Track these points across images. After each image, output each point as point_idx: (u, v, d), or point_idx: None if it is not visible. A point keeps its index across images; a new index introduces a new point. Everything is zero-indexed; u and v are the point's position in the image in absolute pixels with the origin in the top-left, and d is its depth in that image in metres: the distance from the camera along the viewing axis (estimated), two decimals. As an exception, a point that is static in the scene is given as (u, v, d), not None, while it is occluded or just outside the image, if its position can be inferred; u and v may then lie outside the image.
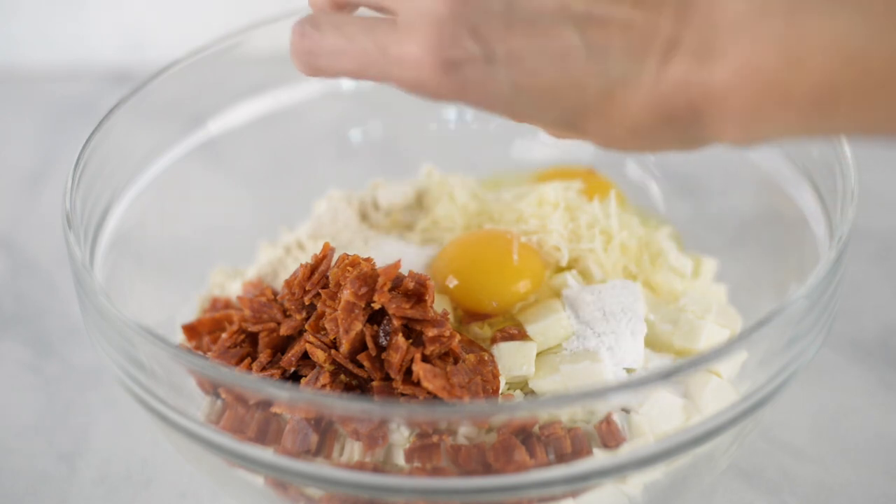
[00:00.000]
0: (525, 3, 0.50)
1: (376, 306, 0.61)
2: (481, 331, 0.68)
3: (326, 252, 0.65)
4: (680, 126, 0.50)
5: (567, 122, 0.51)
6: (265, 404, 0.60)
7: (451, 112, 0.90)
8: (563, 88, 0.50)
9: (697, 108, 0.49)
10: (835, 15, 0.46)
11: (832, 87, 0.47)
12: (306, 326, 0.63)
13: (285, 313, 0.66)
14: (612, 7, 0.49)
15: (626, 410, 0.63)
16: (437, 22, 0.50)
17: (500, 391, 0.64)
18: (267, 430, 0.60)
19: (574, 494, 0.60)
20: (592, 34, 0.49)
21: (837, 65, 0.46)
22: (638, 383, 0.56)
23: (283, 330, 0.65)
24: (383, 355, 0.61)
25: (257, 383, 0.58)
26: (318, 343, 0.62)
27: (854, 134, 0.49)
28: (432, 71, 0.50)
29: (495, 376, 0.63)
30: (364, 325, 0.61)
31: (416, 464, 0.59)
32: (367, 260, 0.63)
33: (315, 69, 0.55)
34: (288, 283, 0.64)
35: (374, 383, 0.61)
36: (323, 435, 0.60)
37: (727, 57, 0.48)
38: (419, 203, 0.80)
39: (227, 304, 0.75)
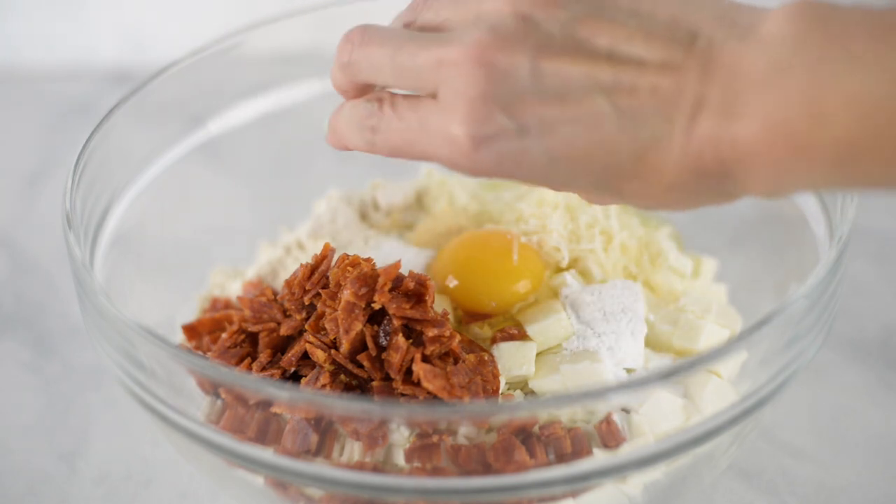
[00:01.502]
0: (553, 76, 0.51)
1: (376, 306, 0.61)
2: (481, 331, 0.68)
3: (327, 252, 0.65)
4: (712, 181, 0.51)
5: (603, 186, 0.52)
6: (265, 404, 0.60)
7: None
8: (597, 154, 0.51)
9: (727, 163, 0.50)
10: (853, 70, 0.47)
11: (852, 141, 0.47)
12: (306, 326, 0.63)
13: (285, 313, 0.66)
14: (637, 72, 0.50)
15: (626, 410, 0.63)
16: (471, 100, 0.51)
17: (500, 391, 0.64)
18: (267, 430, 0.60)
19: (574, 494, 0.60)
20: (621, 100, 0.50)
21: (856, 120, 0.47)
22: (638, 383, 0.56)
23: (283, 330, 0.65)
24: (383, 355, 0.61)
25: (257, 383, 0.58)
26: (318, 343, 0.62)
27: (877, 187, 0.49)
28: (467, 147, 0.52)
29: (495, 376, 0.63)
30: (364, 326, 0.61)
31: (416, 464, 0.59)
32: (368, 260, 0.63)
33: (373, 146, 0.57)
34: (288, 283, 0.64)
35: (374, 383, 0.61)
36: (323, 435, 0.60)
37: (753, 113, 0.48)
38: (419, 203, 0.80)
39: (227, 305, 0.75)
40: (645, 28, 0.51)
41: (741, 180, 0.51)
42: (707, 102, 0.49)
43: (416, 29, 0.56)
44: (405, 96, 0.55)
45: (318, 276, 0.64)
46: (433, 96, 0.53)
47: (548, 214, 0.73)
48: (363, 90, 0.58)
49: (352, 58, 0.56)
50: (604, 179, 0.52)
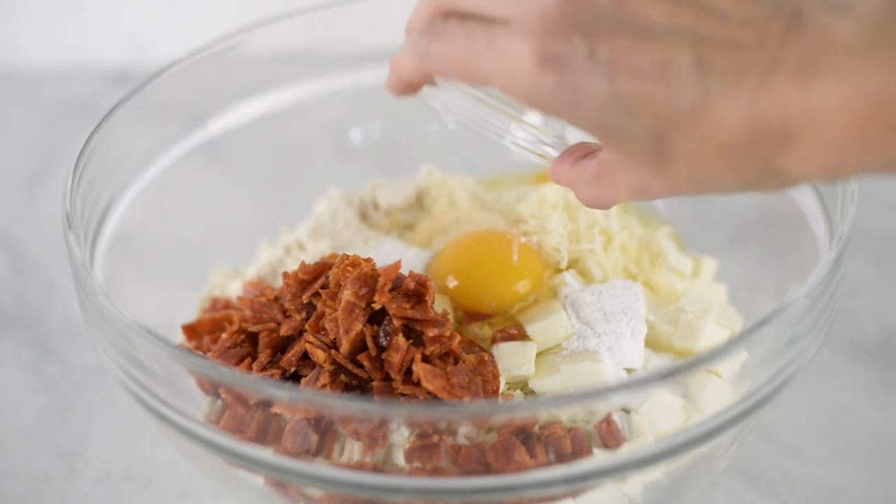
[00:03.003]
0: (635, 11, 0.50)
1: (377, 306, 0.61)
2: (481, 331, 0.68)
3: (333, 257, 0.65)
4: (767, 148, 0.49)
5: (654, 136, 0.50)
6: (265, 404, 0.60)
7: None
8: (661, 97, 0.49)
9: (790, 128, 0.48)
10: None
11: None
12: (306, 326, 0.63)
13: (285, 313, 0.66)
14: (720, 23, 0.49)
15: (626, 410, 0.63)
16: (546, 16, 0.50)
17: (500, 391, 0.64)
18: (267, 430, 0.60)
19: (574, 494, 0.60)
20: (697, 48, 0.49)
21: None
22: (638, 383, 0.56)
23: (283, 330, 0.65)
24: (383, 355, 0.61)
25: (257, 383, 0.58)
26: (318, 343, 0.62)
27: None
28: (531, 64, 0.50)
29: (495, 376, 0.63)
30: (364, 326, 0.61)
31: (416, 464, 0.59)
32: (368, 260, 0.63)
33: (427, 56, 0.54)
34: (285, 275, 0.65)
35: (374, 383, 0.61)
36: (323, 435, 0.60)
37: (835, 78, 0.47)
38: (419, 203, 0.80)
39: (227, 304, 0.75)
40: None
41: (798, 152, 0.49)
42: (784, 62, 0.48)
43: None
44: (477, 16, 0.53)
45: (317, 269, 0.64)
46: (504, 20, 0.52)
47: (548, 215, 0.73)
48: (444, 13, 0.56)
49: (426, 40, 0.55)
50: (658, 127, 0.50)
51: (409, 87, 0.58)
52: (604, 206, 0.57)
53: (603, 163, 0.55)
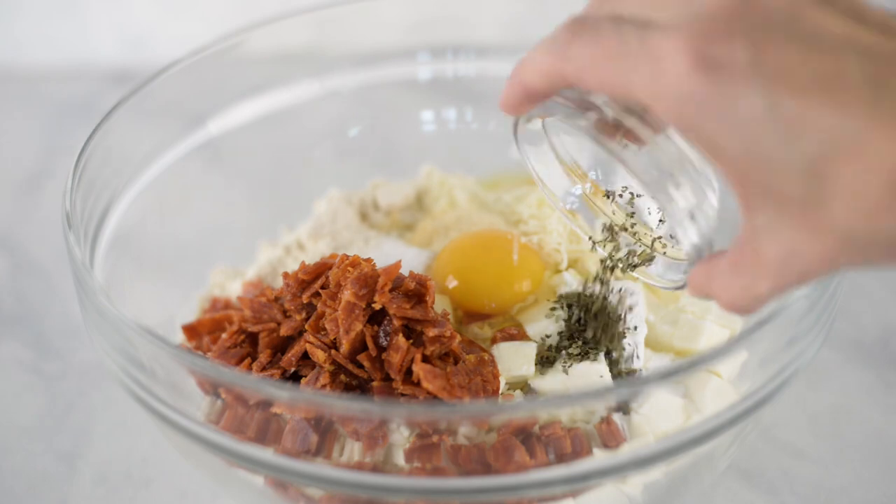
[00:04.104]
0: (811, 22, 0.45)
1: (377, 307, 0.61)
2: (481, 331, 0.68)
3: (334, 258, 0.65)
4: None
5: (810, 168, 0.44)
6: (265, 404, 0.60)
7: (451, 112, 0.90)
8: (825, 116, 0.44)
9: None
10: None
11: None
12: (306, 326, 0.63)
13: (285, 313, 0.66)
14: None
15: (626, 410, 0.63)
16: (712, 18, 0.45)
17: (500, 391, 0.64)
18: (267, 430, 0.60)
19: (574, 494, 0.60)
20: (873, 67, 0.44)
21: None
22: (638, 383, 0.56)
23: (283, 330, 0.65)
24: (383, 355, 0.61)
25: (257, 383, 0.58)
26: (318, 343, 0.62)
27: None
28: (686, 65, 0.45)
29: (495, 376, 0.63)
30: (364, 326, 0.61)
31: (416, 464, 0.59)
32: (368, 260, 0.63)
33: (566, 56, 0.49)
34: (285, 275, 0.65)
35: (374, 383, 0.61)
36: (323, 435, 0.60)
37: None
38: (419, 203, 0.80)
39: (227, 304, 0.75)
40: None
41: None
42: None
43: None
44: (631, 18, 0.48)
45: (317, 270, 0.64)
46: (664, 26, 0.46)
47: (547, 215, 0.73)
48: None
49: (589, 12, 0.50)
50: (817, 156, 0.44)
51: (528, 98, 0.53)
52: (747, 306, 0.49)
53: (741, 240, 0.48)
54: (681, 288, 0.58)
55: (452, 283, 0.69)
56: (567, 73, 0.49)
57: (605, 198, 0.62)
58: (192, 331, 0.70)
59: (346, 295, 0.61)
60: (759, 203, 0.46)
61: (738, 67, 0.44)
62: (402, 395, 0.60)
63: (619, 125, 0.53)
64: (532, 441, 0.60)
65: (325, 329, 0.62)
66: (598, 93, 0.52)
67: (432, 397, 0.60)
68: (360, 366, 0.61)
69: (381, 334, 0.62)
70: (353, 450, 0.60)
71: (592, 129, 0.53)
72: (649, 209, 0.61)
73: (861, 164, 0.44)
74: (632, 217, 0.62)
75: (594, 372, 0.64)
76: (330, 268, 0.64)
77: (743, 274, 0.48)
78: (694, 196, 0.53)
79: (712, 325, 0.68)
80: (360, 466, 0.59)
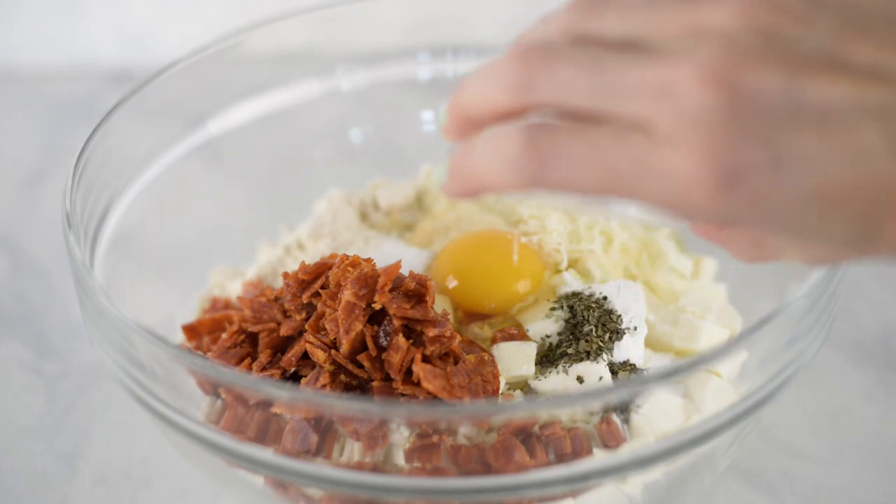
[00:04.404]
0: (811, 99, 0.43)
1: (377, 307, 0.61)
2: (481, 331, 0.68)
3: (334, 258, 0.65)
4: None
5: (860, 231, 0.44)
6: (265, 404, 0.60)
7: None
8: (863, 191, 0.43)
9: None
10: None
11: None
12: (306, 326, 0.63)
13: (285, 313, 0.66)
14: None
15: (625, 410, 0.63)
16: (713, 126, 0.42)
17: (500, 391, 0.64)
18: (267, 430, 0.60)
19: (574, 494, 0.60)
20: (893, 125, 0.42)
21: None
22: (638, 383, 0.56)
23: (283, 330, 0.65)
24: (383, 355, 0.61)
25: (257, 383, 0.58)
26: (318, 343, 0.62)
27: None
28: (710, 186, 0.42)
29: (495, 376, 0.63)
30: (364, 326, 0.61)
31: (416, 464, 0.59)
32: (368, 260, 0.63)
33: (540, 181, 0.46)
34: (285, 275, 0.65)
35: (374, 383, 0.61)
36: (323, 435, 0.60)
37: None
38: (419, 203, 0.80)
39: (227, 304, 0.75)
40: None
41: None
42: None
43: (596, 43, 0.45)
44: (595, 125, 0.45)
45: (316, 268, 0.64)
46: (640, 125, 0.44)
47: (548, 215, 0.73)
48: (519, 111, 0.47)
49: (531, 75, 0.45)
50: (865, 222, 0.44)
51: (475, 128, 0.49)
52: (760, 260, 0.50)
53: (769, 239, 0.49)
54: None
55: (452, 283, 0.69)
56: (530, 107, 0.46)
57: None
58: (192, 331, 0.70)
59: (346, 295, 0.61)
60: (809, 243, 0.47)
61: (762, 169, 0.43)
62: (402, 395, 0.60)
63: None
64: (532, 441, 0.60)
65: (325, 329, 0.62)
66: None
67: (432, 397, 0.60)
68: (360, 366, 0.61)
69: (381, 334, 0.62)
70: (353, 450, 0.60)
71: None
72: None
73: None
74: None
75: (594, 372, 0.64)
76: (330, 268, 0.64)
77: (765, 253, 0.50)
78: None
79: (712, 325, 0.68)
80: (360, 466, 0.59)
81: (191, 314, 0.76)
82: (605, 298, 0.67)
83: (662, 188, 0.43)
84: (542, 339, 0.67)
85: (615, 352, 0.65)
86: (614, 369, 0.65)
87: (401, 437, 0.60)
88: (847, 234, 0.44)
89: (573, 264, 0.72)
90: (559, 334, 0.67)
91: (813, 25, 0.44)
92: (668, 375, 0.55)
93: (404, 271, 0.64)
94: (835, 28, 0.44)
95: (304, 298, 0.64)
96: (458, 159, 0.48)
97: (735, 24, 0.43)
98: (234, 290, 0.76)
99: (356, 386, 0.62)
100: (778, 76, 0.42)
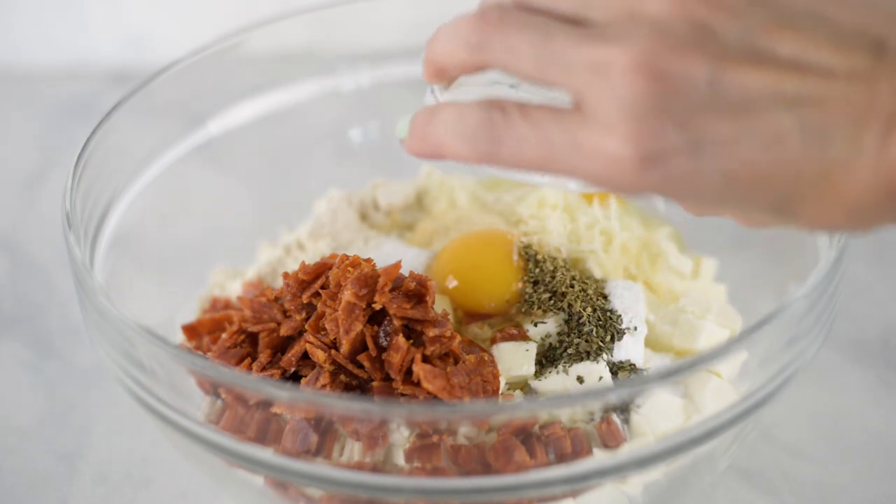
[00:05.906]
0: (733, 88, 0.45)
1: (377, 307, 0.61)
2: (481, 331, 0.68)
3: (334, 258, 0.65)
4: None
5: (777, 210, 0.48)
6: (265, 404, 0.60)
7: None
8: (779, 176, 0.46)
9: None
10: None
11: None
12: (306, 326, 0.63)
13: (285, 313, 0.66)
14: (826, 84, 0.45)
15: (625, 410, 0.63)
16: (638, 114, 0.45)
17: (500, 391, 0.64)
18: (267, 430, 0.60)
19: (574, 494, 0.60)
20: (807, 114, 0.45)
21: None
22: (638, 383, 0.56)
23: (283, 330, 0.65)
24: (383, 356, 0.61)
25: (257, 383, 0.58)
26: (319, 343, 0.62)
27: None
28: (632, 166, 0.46)
29: (495, 377, 0.63)
30: (364, 326, 0.61)
31: (416, 464, 0.59)
32: (368, 260, 0.63)
33: (492, 158, 0.49)
34: (285, 275, 0.65)
35: (374, 383, 0.61)
36: (323, 435, 0.60)
37: None
38: (419, 203, 0.80)
39: (227, 304, 0.75)
40: (831, 34, 0.46)
41: None
42: None
43: (546, 13, 0.49)
44: (539, 105, 0.48)
45: (316, 267, 0.64)
46: (576, 101, 0.47)
47: (547, 215, 0.73)
48: (461, 72, 0.52)
49: (485, 37, 0.49)
50: (781, 202, 0.47)
51: (444, 75, 0.54)
52: None
53: None
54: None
55: (452, 283, 0.69)
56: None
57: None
58: (192, 331, 0.70)
59: (346, 295, 0.61)
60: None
61: (682, 153, 0.46)
62: (402, 395, 0.60)
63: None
64: (532, 441, 0.60)
65: (325, 329, 0.62)
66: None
67: (432, 397, 0.60)
68: (360, 366, 0.61)
69: (381, 334, 0.62)
70: (353, 450, 0.60)
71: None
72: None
73: (823, 203, 0.47)
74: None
75: (594, 372, 0.64)
76: (330, 268, 0.64)
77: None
78: None
79: (712, 325, 0.68)
80: (360, 466, 0.59)
81: (191, 314, 0.76)
82: (604, 297, 0.68)
83: (592, 166, 0.47)
84: (542, 339, 0.67)
85: (615, 352, 0.66)
86: (614, 369, 0.65)
87: (401, 437, 0.60)
88: (766, 212, 0.48)
89: (573, 264, 0.72)
90: (559, 334, 0.67)
91: (743, 18, 0.46)
92: (668, 375, 0.55)
93: (404, 271, 0.64)
94: (763, 21, 0.46)
95: (304, 298, 0.64)
96: (421, 121, 0.52)
97: (671, 12, 0.46)
98: (234, 290, 0.76)
99: (356, 386, 0.62)
100: (703, 66, 0.45)
